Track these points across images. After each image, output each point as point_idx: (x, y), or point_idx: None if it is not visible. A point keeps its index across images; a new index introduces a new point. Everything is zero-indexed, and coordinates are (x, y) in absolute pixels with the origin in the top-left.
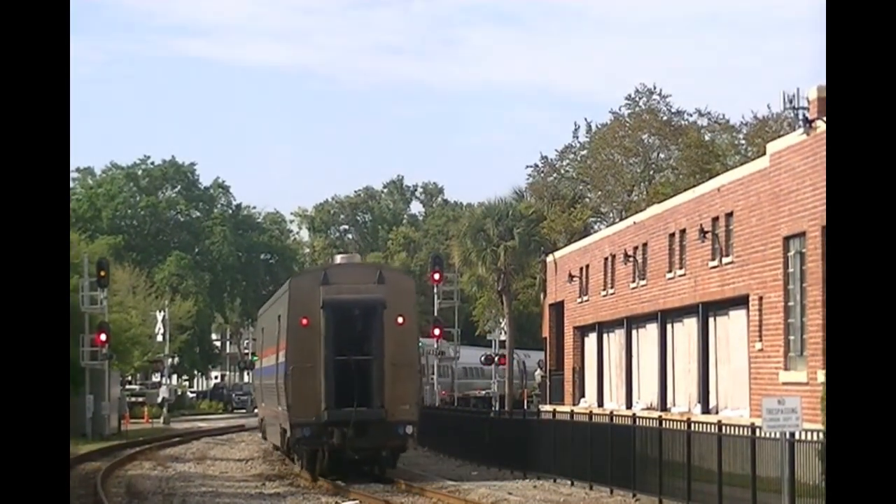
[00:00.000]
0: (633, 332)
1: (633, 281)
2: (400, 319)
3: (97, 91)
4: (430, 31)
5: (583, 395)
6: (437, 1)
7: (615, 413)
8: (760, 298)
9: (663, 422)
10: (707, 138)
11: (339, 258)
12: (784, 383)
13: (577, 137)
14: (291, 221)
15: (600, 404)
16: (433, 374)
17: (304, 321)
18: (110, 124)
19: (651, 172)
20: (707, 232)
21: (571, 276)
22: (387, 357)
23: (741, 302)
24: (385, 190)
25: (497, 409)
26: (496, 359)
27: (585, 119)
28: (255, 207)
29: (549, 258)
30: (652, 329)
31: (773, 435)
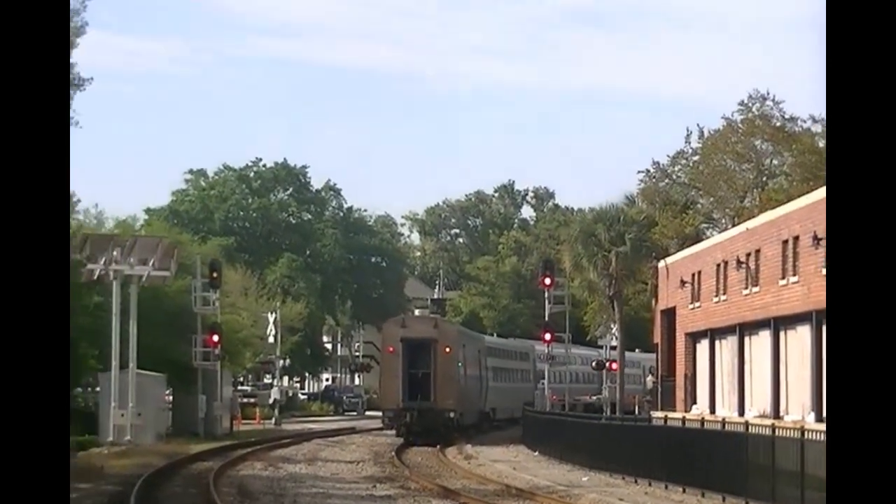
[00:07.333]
0: (746, 338)
1: (746, 287)
2: (447, 350)
3: (206, 92)
4: (529, 34)
5: (694, 402)
6: (532, 4)
7: (727, 420)
8: None
9: (776, 429)
10: (821, 145)
11: (416, 312)
12: None
13: (689, 143)
14: (402, 224)
15: (712, 411)
16: (543, 378)
17: (391, 349)
18: (221, 126)
19: (764, 179)
20: (821, 239)
21: (683, 282)
22: (438, 371)
23: None
24: (496, 194)
25: (608, 414)
26: (607, 364)
27: (697, 124)
28: (365, 210)
29: (661, 264)
30: (764, 336)
31: None
